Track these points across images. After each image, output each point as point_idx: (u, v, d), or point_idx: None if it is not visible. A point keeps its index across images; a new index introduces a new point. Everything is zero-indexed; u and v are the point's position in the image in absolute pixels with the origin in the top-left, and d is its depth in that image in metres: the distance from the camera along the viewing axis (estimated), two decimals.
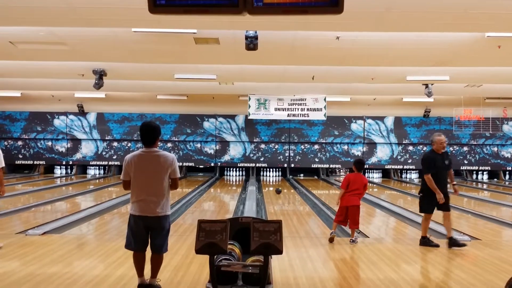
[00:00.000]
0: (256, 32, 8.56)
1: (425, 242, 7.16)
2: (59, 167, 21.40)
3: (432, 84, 14.16)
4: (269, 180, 20.13)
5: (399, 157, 21.17)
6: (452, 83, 14.05)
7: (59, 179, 19.53)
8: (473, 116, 18.53)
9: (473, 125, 19.46)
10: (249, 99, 17.76)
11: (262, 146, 21.09)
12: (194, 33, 8.81)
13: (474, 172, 21.71)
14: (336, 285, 5.23)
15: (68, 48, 10.06)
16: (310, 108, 17.81)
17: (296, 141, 21.00)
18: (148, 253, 4.72)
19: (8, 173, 20.46)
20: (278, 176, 21.40)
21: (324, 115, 17.93)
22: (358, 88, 15.51)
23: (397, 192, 16.43)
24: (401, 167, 21.34)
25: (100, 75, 12.81)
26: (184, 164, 20.86)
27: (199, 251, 3.98)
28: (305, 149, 21.09)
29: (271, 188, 16.36)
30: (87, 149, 20.93)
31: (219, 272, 4.09)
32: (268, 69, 12.48)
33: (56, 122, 20.75)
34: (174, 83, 14.85)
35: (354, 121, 21.02)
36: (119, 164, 20.31)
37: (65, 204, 11.86)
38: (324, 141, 21.01)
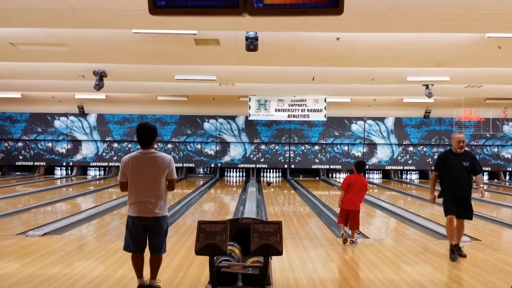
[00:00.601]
0: (256, 33, 8.57)
1: (453, 250, 6.44)
2: (59, 168, 21.40)
3: (432, 85, 14.17)
4: (270, 181, 20.10)
5: (399, 158, 21.17)
6: (453, 83, 14.06)
7: (59, 180, 19.52)
8: (474, 117, 18.53)
9: (473, 125, 19.46)
10: (250, 100, 17.77)
11: (263, 147, 21.08)
12: (195, 34, 8.83)
13: None
14: (336, 286, 5.22)
15: (69, 49, 10.08)
16: (311, 109, 17.82)
17: (296, 142, 21.00)
18: (147, 254, 4.72)
19: (8, 174, 20.51)
20: (279, 177, 21.39)
21: (325, 116, 17.95)
22: (358, 89, 15.52)
23: (397, 193, 16.42)
24: (401, 168, 21.33)
25: (101, 76, 12.83)
26: (185, 165, 20.86)
27: (199, 252, 3.98)
28: (305, 150, 21.08)
29: (271, 189, 16.36)
30: (87, 150, 20.93)
31: (219, 273, 4.09)
32: (269, 70, 12.48)
33: (57, 123, 20.75)
34: (175, 84, 14.86)
35: (354, 122, 21.02)
36: (119, 165, 20.25)
37: (65, 205, 11.86)
38: (324, 142, 21.01)
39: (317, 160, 21.09)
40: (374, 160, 21.14)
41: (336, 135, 21.00)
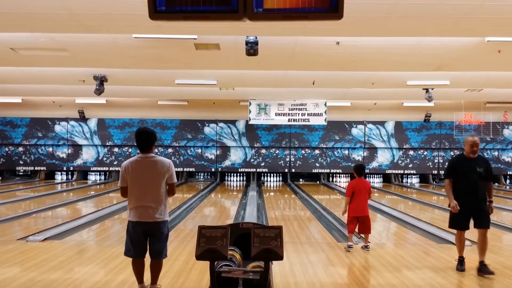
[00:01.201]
0: (256, 38, 8.58)
1: (460, 261, 6.05)
2: (60, 173, 21.41)
3: (432, 89, 14.18)
4: (270, 185, 20.11)
5: (399, 161, 21.16)
6: (453, 87, 14.07)
7: (59, 185, 19.53)
8: (474, 121, 18.52)
9: (473, 129, 19.45)
10: (250, 104, 17.78)
11: (263, 151, 21.09)
12: (195, 38, 8.84)
13: None
14: None
15: (69, 54, 10.09)
16: (311, 113, 17.82)
17: (296, 146, 21.01)
18: (148, 259, 4.71)
19: (9, 179, 20.51)
20: (279, 181, 21.38)
21: (325, 120, 17.94)
22: (358, 93, 15.53)
23: (398, 197, 16.40)
24: (401, 171, 21.33)
25: (101, 81, 12.85)
26: (185, 169, 20.86)
27: (199, 257, 3.98)
28: (305, 154, 21.09)
29: (272, 194, 16.35)
30: (88, 155, 20.94)
31: (219, 278, 4.08)
32: (269, 74, 12.49)
33: (57, 128, 20.78)
34: (175, 89, 14.88)
35: (354, 126, 21.03)
36: (119, 170, 20.25)
37: (65, 210, 11.85)
38: (324, 146, 21.01)
39: (317, 164, 21.09)
40: (374, 164, 21.14)
41: (337, 139, 21.01)
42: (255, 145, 21.01)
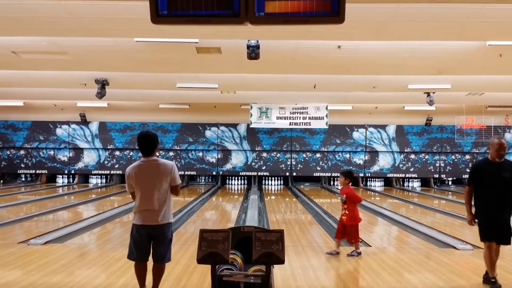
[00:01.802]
0: (258, 41, 8.59)
1: (487, 279, 5.57)
2: (61, 176, 21.39)
3: (433, 93, 14.18)
4: (271, 189, 20.10)
5: (401, 165, 21.14)
6: (454, 91, 14.06)
7: (61, 188, 19.53)
8: (475, 125, 18.50)
9: (475, 133, 19.44)
10: (251, 107, 17.79)
11: (264, 154, 21.08)
12: (196, 42, 8.85)
13: None
14: None
15: (71, 57, 10.11)
16: (312, 117, 17.81)
17: (298, 149, 21.00)
18: (150, 263, 4.71)
19: (10, 182, 20.52)
20: (280, 184, 21.37)
21: (326, 123, 17.93)
22: (359, 96, 15.53)
23: (399, 201, 16.38)
24: (403, 175, 21.30)
25: (103, 84, 12.86)
26: (186, 173, 20.84)
27: (200, 260, 3.97)
28: (307, 158, 21.07)
29: (273, 197, 16.34)
30: (89, 158, 20.94)
31: (221, 282, 4.07)
32: (270, 78, 12.50)
33: (59, 131, 20.79)
34: (176, 92, 14.89)
35: (356, 129, 21.01)
36: (121, 173, 20.30)
37: (67, 214, 11.86)
38: (326, 150, 21.00)
39: (318, 168, 21.07)
40: (375, 168, 21.12)
41: (338, 143, 20.99)
42: (256, 149, 21.01)
